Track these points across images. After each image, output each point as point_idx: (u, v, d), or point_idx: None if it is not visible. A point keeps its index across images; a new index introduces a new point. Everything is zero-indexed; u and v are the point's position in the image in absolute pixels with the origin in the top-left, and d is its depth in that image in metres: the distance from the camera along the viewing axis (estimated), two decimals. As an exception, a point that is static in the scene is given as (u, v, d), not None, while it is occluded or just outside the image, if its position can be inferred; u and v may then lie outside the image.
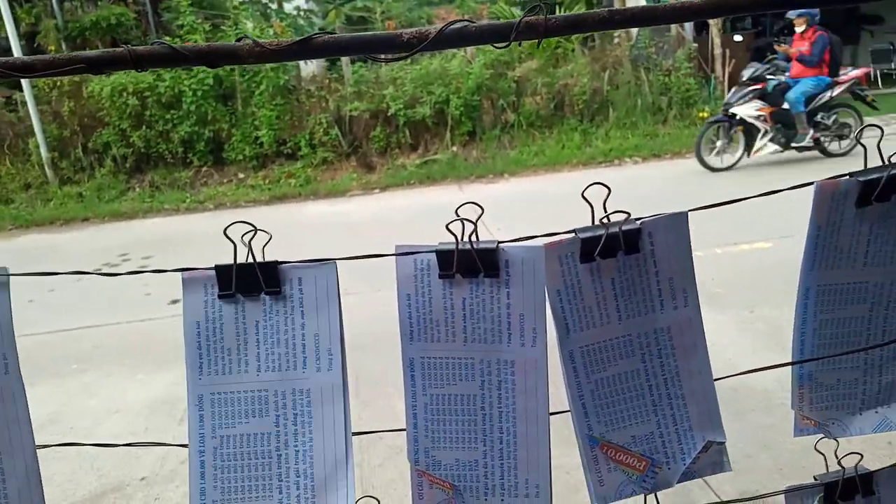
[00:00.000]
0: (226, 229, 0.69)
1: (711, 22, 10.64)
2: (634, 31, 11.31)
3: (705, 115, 10.37)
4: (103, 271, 0.82)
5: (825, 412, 0.82)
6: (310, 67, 11.39)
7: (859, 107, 8.41)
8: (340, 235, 6.97)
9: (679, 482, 0.76)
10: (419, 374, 0.67)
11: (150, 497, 2.75)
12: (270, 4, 13.77)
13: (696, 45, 11.28)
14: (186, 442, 0.90)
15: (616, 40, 11.40)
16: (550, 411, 0.76)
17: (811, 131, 7.93)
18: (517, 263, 0.65)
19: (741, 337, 3.68)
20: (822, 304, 0.77)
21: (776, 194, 0.89)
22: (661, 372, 0.74)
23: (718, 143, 8.02)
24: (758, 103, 7.96)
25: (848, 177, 0.73)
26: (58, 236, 8.50)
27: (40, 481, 0.70)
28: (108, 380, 3.93)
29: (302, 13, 14.37)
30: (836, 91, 7.95)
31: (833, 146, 8.14)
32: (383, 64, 11.40)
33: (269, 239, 0.65)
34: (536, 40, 0.72)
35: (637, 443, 0.74)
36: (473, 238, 0.64)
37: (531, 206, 7.36)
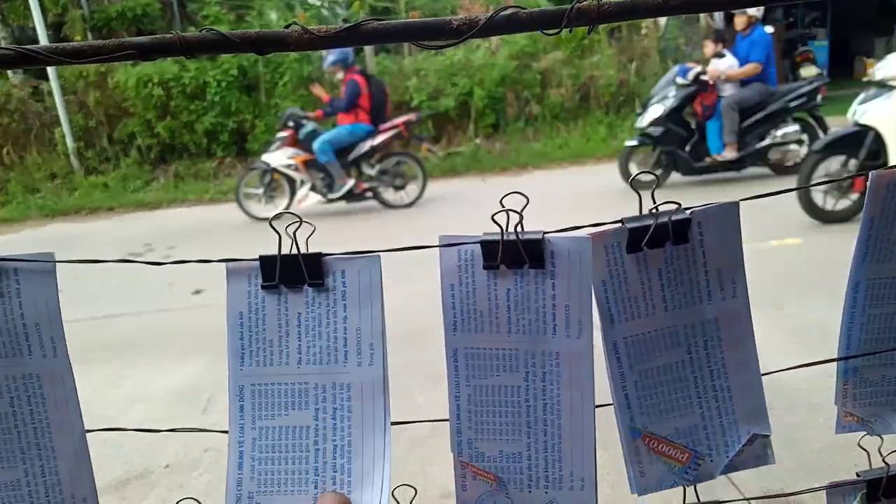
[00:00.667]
0: (271, 220, 0.69)
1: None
2: (663, 21, 11.18)
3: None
4: (137, 260, 0.83)
5: (869, 408, 0.80)
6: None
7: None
8: (364, 227, 6.99)
9: (721, 474, 0.74)
10: (462, 364, 0.67)
11: (173, 485, 2.78)
12: (295, -5, 13.80)
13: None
14: (218, 430, 0.90)
15: (644, 31, 11.29)
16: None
17: (351, 181, 7.45)
18: (563, 254, 0.64)
19: (769, 335, 3.64)
20: (872, 297, 0.75)
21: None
22: (708, 363, 0.72)
23: (260, 192, 7.53)
24: (290, 151, 7.47)
25: (903, 167, 0.71)
26: (83, 226, 8.61)
27: (90, 460, 0.72)
28: (132, 369, 3.98)
29: (326, 3, 14.38)
30: (379, 139, 7.45)
31: (396, 196, 7.65)
32: (406, 55, 11.38)
33: (313, 231, 0.65)
34: (557, 30, 0.71)
35: (680, 434, 0.73)
36: (518, 229, 0.62)
37: (556, 199, 7.33)
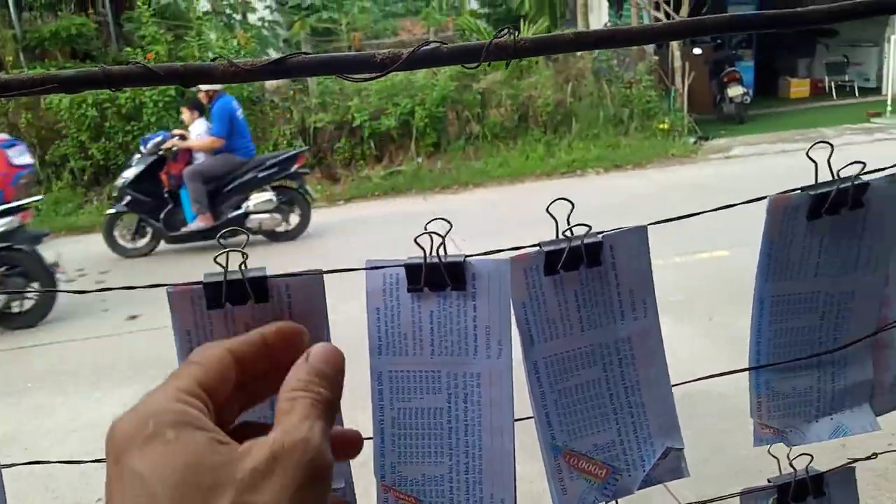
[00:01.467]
0: (219, 237, 0.69)
1: (670, 36, 10.86)
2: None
3: (665, 126, 10.57)
4: (68, 287, 0.82)
5: (783, 420, 0.85)
6: (273, 79, 11.32)
7: None
8: (304, 247, 6.93)
9: (639, 489, 0.78)
10: (387, 387, 0.68)
11: (109, 517, 2.70)
12: (234, 15, 13.66)
13: (656, 58, 11.51)
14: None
15: (579, 53, 11.57)
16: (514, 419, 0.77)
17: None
18: (483, 276, 0.66)
19: (701, 344, 3.75)
20: (776, 314, 0.80)
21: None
22: (622, 381, 0.76)
23: None
24: None
25: (799, 191, 0.76)
26: (14, 250, 8.29)
27: (5, 500, 0.70)
28: (65, 398, 3.85)
29: (266, 24, 14.27)
30: None
31: None
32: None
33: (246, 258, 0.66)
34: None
35: (598, 451, 0.76)
36: (441, 252, 0.65)
37: (495, 218, 7.42)
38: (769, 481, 0.88)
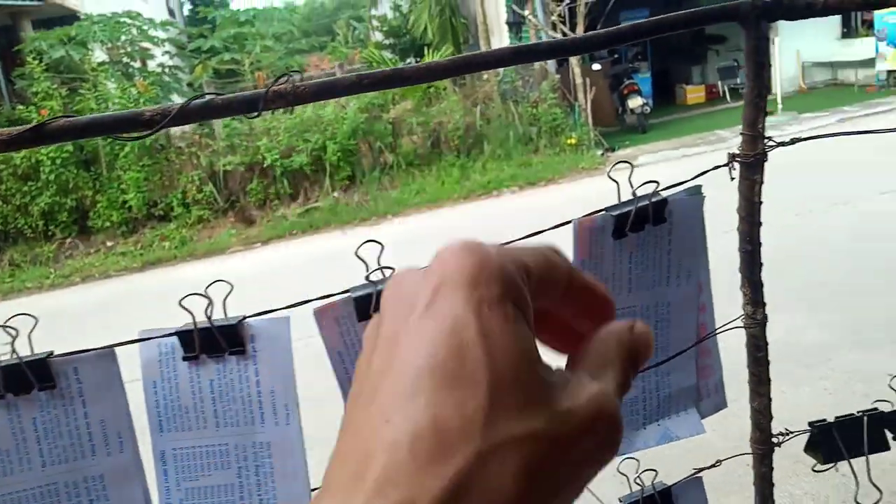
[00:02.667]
0: (6, 322, 0.64)
1: (569, 53, 11.16)
2: (498, 66, 11.69)
3: (573, 141, 10.83)
4: None
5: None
6: (178, 125, 11.08)
7: None
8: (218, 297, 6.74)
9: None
10: (172, 467, 0.62)
11: None
12: (133, 63, 13.31)
13: (558, 76, 11.81)
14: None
15: (485, 76, 11.77)
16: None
17: None
18: (263, 337, 0.63)
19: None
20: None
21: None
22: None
23: None
24: None
25: (603, 212, 0.77)
26: None
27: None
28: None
29: (167, 69, 13.97)
30: None
31: None
32: (257, 116, 11.26)
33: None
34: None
35: None
36: (210, 313, 0.61)
37: (416, 245, 7.41)
38: (620, 501, 0.88)
